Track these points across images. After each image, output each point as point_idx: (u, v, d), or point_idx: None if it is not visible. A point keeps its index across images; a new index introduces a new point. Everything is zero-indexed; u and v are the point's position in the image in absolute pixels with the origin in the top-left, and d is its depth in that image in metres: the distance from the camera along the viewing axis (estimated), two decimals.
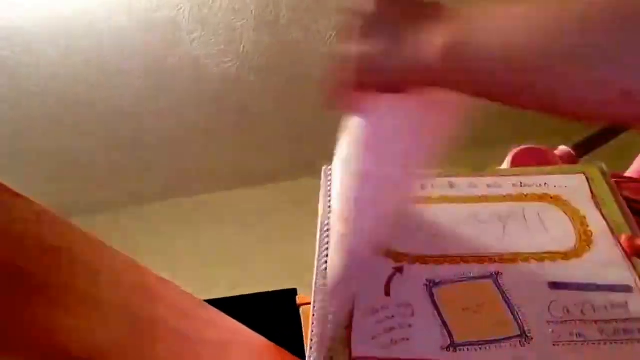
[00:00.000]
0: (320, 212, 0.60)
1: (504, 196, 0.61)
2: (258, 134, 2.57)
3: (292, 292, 1.93)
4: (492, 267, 0.54)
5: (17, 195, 0.29)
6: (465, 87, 0.41)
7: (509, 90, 0.37)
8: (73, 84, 2.04)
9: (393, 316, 0.51)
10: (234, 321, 0.58)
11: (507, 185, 0.62)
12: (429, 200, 0.63)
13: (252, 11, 1.79)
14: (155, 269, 0.44)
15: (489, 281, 0.53)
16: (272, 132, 2.58)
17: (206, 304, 0.53)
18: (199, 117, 2.42)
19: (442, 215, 0.61)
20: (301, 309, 1.28)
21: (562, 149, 0.84)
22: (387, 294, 0.55)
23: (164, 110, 2.32)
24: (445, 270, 0.56)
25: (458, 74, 0.40)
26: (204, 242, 3.00)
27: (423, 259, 0.57)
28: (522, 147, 0.82)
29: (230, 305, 0.61)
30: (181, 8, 1.74)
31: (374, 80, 0.45)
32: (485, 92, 0.40)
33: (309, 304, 0.54)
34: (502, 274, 0.53)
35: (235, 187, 3.04)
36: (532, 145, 0.82)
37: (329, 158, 0.62)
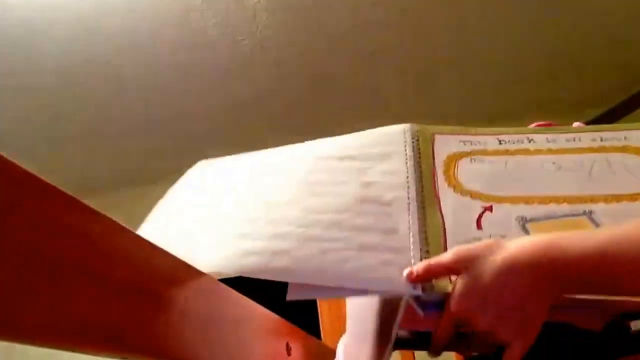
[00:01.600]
0: None
1: (585, 148, 0.63)
2: None
3: None
4: (584, 207, 0.57)
5: (32, 176, 0.29)
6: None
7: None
8: (84, 64, 2.03)
9: None
10: (248, 299, 0.58)
11: (586, 139, 0.64)
12: (507, 152, 0.65)
13: None
14: None
15: (584, 217, 0.56)
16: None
17: (220, 282, 0.52)
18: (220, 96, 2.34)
19: (525, 163, 0.63)
20: None
21: (577, 125, 0.91)
22: (479, 227, 0.57)
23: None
24: (536, 209, 0.58)
25: None
26: None
27: (512, 199, 0.59)
28: (539, 123, 0.87)
29: (244, 285, 0.61)
30: None
31: None
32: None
33: None
34: (594, 212, 0.56)
35: None
36: (549, 121, 0.88)
37: None
